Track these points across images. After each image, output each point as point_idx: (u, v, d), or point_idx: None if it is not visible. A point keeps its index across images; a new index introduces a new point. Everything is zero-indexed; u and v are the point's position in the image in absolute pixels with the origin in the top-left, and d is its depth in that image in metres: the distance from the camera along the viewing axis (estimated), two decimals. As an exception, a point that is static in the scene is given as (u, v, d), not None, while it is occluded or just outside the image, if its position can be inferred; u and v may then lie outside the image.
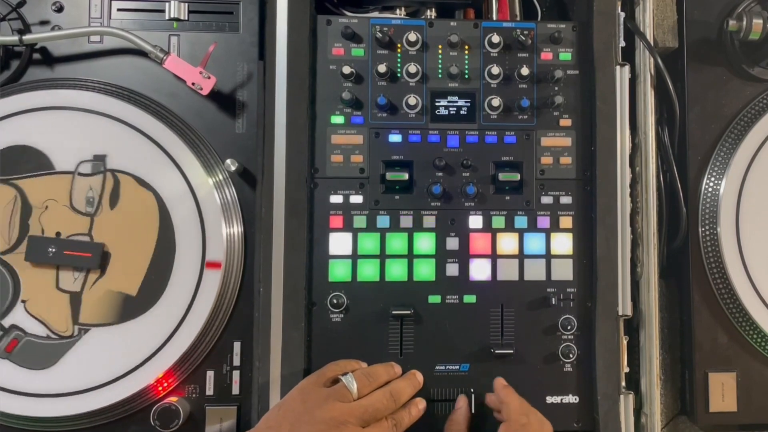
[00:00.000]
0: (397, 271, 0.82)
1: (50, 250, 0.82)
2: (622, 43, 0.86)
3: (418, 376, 0.79)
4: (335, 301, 0.80)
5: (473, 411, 0.80)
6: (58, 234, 0.83)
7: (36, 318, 0.82)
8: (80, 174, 0.84)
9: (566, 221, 0.84)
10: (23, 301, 0.82)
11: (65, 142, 0.84)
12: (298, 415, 0.69)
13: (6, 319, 0.82)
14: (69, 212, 0.83)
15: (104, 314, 0.82)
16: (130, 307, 0.82)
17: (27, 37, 0.84)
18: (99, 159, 0.84)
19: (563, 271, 0.84)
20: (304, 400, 0.71)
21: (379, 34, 0.83)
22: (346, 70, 0.82)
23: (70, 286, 0.82)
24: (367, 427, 0.70)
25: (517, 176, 0.83)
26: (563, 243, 0.84)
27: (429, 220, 0.83)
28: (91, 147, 0.84)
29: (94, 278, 0.83)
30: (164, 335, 0.82)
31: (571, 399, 0.82)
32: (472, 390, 0.81)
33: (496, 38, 0.84)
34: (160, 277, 0.83)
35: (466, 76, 0.85)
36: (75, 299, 0.82)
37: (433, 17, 0.90)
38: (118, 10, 0.88)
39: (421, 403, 0.78)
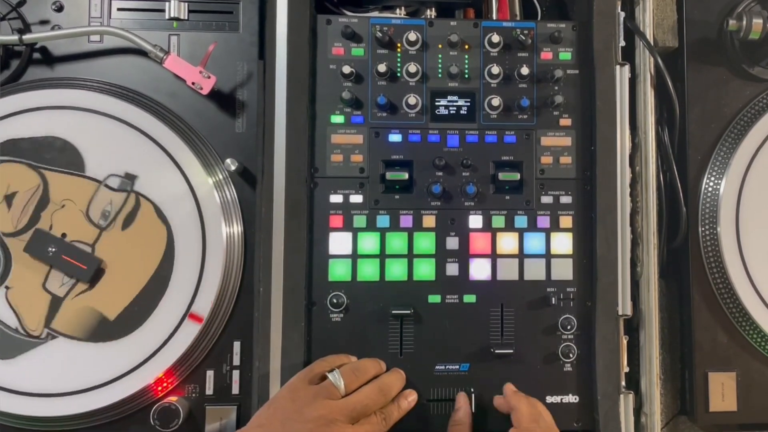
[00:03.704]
0: (397, 270, 0.82)
1: (51, 249, 0.82)
2: (622, 43, 0.86)
3: (402, 372, 0.79)
4: (335, 301, 0.80)
5: (473, 410, 0.80)
6: (63, 235, 0.83)
7: (12, 308, 0.82)
8: (106, 186, 0.84)
9: (566, 221, 0.84)
10: (6, 287, 0.82)
11: (103, 149, 0.84)
12: (288, 414, 0.69)
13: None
14: (82, 218, 0.83)
15: (76, 328, 0.82)
16: (103, 330, 0.82)
17: (27, 37, 0.84)
18: (129, 178, 0.84)
19: (563, 270, 0.84)
20: (294, 399, 0.71)
21: (379, 34, 0.83)
22: (346, 69, 0.82)
23: (55, 289, 0.82)
24: (356, 424, 0.70)
25: (517, 176, 0.83)
26: (563, 243, 0.84)
27: (429, 220, 0.83)
28: (124, 162, 0.84)
29: (81, 290, 0.82)
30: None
31: (571, 399, 0.82)
32: (472, 389, 0.81)
33: (496, 38, 0.84)
34: (148, 300, 0.83)
35: (466, 76, 0.85)
36: (55, 303, 0.82)
37: (433, 17, 0.90)
38: (118, 9, 0.88)
39: (411, 395, 0.78)
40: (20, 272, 0.82)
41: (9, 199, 0.83)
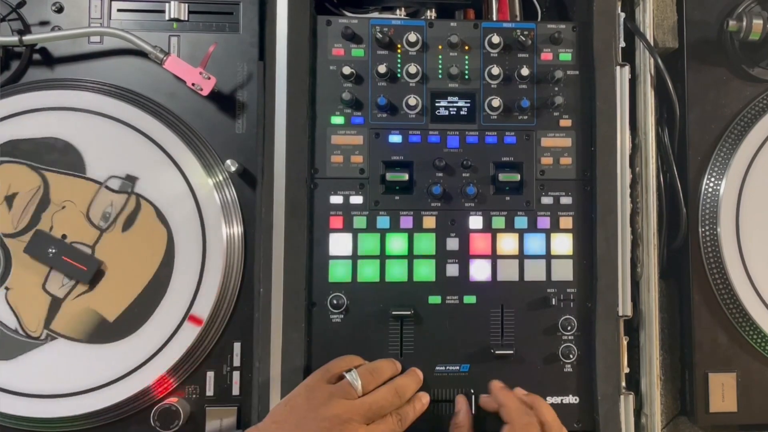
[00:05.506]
0: (397, 271, 0.82)
1: (51, 250, 0.82)
2: (622, 44, 0.86)
3: (419, 373, 0.79)
4: (335, 302, 0.80)
5: (473, 411, 0.80)
6: (63, 236, 0.83)
7: (12, 309, 0.82)
8: (107, 187, 0.83)
9: (566, 221, 0.84)
10: (6, 289, 0.82)
11: (103, 149, 0.84)
12: (304, 413, 0.69)
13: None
14: (82, 220, 0.83)
15: (76, 329, 0.82)
16: (103, 331, 0.82)
17: (27, 38, 0.84)
18: (129, 180, 0.83)
19: (563, 271, 0.84)
20: (309, 398, 0.71)
21: (379, 35, 0.83)
22: (346, 70, 0.82)
23: (55, 290, 0.82)
24: (371, 424, 0.70)
25: (517, 177, 0.83)
26: (563, 243, 0.84)
27: (429, 221, 0.83)
28: (125, 163, 0.84)
29: (80, 291, 0.82)
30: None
31: (572, 399, 0.82)
32: (472, 390, 0.81)
33: (496, 39, 0.84)
34: (147, 302, 0.83)
35: (466, 77, 0.85)
36: (55, 304, 0.82)
37: (433, 18, 0.90)
38: (118, 10, 0.88)
39: (424, 398, 0.78)
40: (20, 273, 0.82)
41: (9, 200, 0.83)
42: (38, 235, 0.82)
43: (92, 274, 0.82)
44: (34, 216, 0.83)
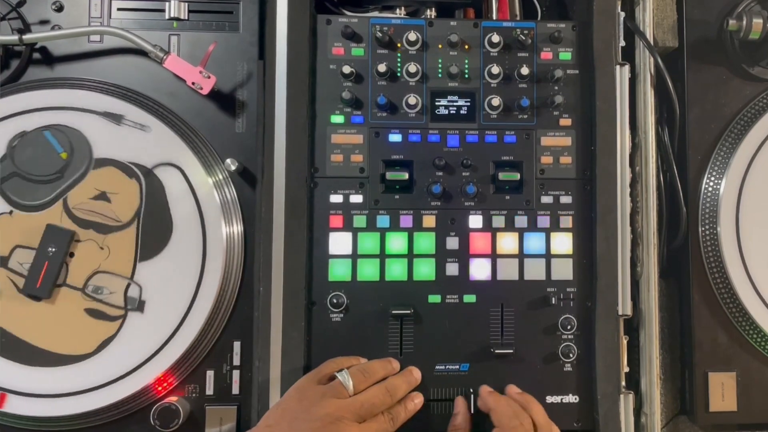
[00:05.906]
0: (397, 270, 0.82)
1: (52, 248, 0.82)
2: (622, 43, 0.86)
3: (415, 373, 0.79)
4: (335, 301, 0.80)
5: (473, 411, 0.80)
6: (71, 254, 0.83)
7: None
8: (126, 286, 0.83)
9: (566, 221, 0.84)
10: (10, 213, 0.83)
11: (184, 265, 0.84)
12: (296, 413, 0.70)
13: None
14: (88, 270, 0.83)
15: None
16: None
17: (27, 37, 0.84)
18: (139, 305, 0.82)
19: (563, 270, 0.84)
20: (301, 398, 0.71)
21: (379, 34, 0.83)
22: (346, 69, 0.82)
23: (15, 258, 0.82)
24: (363, 423, 0.71)
25: (517, 176, 0.83)
26: (563, 242, 0.84)
27: (429, 220, 0.83)
28: (173, 292, 0.83)
29: (18, 281, 0.82)
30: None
31: (571, 399, 0.82)
32: (471, 390, 0.81)
33: (496, 38, 0.84)
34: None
35: (466, 76, 0.85)
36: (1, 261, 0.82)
37: (433, 17, 0.90)
38: (118, 9, 0.88)
39: (417, 398, 0.78)
40: (23, 221, 0.82)
41: (102, 195, 0.83)
42: (66, 233, 0.82)
43: (30, 295, 0.81)
44: (89, 224, 0.83)
